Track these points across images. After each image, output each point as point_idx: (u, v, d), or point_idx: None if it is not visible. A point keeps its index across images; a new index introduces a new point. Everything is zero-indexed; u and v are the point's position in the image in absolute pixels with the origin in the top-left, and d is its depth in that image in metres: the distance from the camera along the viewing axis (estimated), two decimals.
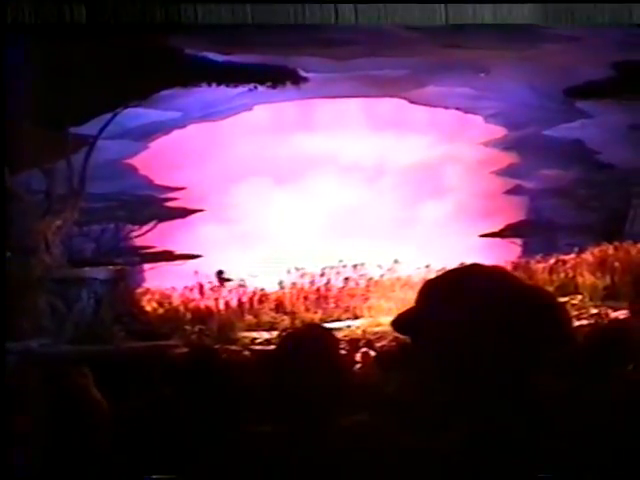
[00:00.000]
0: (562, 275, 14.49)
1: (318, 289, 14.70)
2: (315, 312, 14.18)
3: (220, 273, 14.85)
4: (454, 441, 1.91)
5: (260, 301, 14.38)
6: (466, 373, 1.84)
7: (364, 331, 13.06)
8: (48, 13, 10.00)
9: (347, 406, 2.92)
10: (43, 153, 13.06)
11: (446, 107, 16.05)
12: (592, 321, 12.05)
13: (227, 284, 14.80)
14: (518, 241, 16.51)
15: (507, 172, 16.55)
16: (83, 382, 3.41)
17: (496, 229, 16.31)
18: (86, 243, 15.00)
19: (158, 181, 15.74)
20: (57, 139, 13.31)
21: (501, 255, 14.57)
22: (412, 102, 15.85)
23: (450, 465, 1.90)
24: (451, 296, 1.97)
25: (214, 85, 14.15)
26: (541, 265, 14.71)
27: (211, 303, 14.26)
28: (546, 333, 1.98)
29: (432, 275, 14.44)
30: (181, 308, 14.20)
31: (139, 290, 14.76)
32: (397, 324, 2.23)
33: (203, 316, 13.99)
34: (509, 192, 16.60)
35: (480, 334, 1.87)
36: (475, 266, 2.15)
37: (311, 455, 2.76)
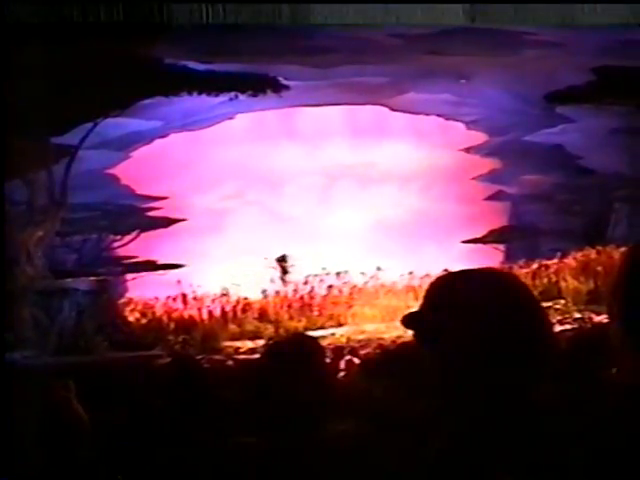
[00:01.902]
0: (545, 280, 14.52)
1: (302, 297, 14.68)
2: (299, 320, 14.15)
3: (282, 259, 14.74)
4: (442, 447, 1.91)
5: (243, 310, 14.34)
6: (463, 376, 1.83)
7: (348, 339, 13.05)
8: (29, 24, 9.96)
9: (331, 414, 2.90)
10: (24, 163, 12.98)
11: (427, 114, 16.08)
12: (575, 325, 12.07)
13: (289, 268, 14.78)
14: (501, 247, 16.54)
15: (489, 178, 16.59)
16: (64, 395, 3.40)
17: (478, 235, 16.33)
18: (68, 254, 14.93)
19: (140, 191, 15.70)
20: (38, 149, 13.24)
21: (484, 261, 14.57)
22: (393, 109, 15.88)
23: (439, 471, 1.90)
24: (458, 298, 1.97)
25: (195, 94, 14.12)
26: (524, 270, 14.71)
27: (194, 313, 14.22)
28: (536, 340, 1.98)
29: (416, 282, 14.55)
30: (164, 318, 14.15)
31: (122, 300, 14.71)
32: (406, 319, 2.24)
33: (186, 326, 13.95)
34: (491, 198, 16.64)
35: (480, 338, 1.87)
36: (487, 270, 2.16)
37: (296, 465, 2.73)
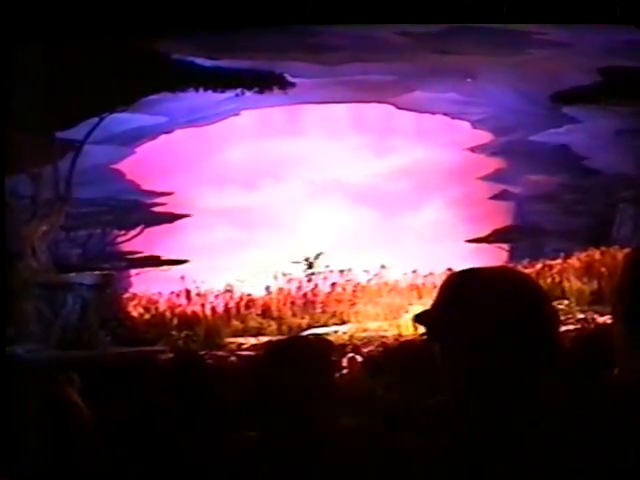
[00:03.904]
0: (549, 280, 14.47)
1: (305, 294, 14.66)
2: (302, 317, 14.14)
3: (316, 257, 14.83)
4: (444, 445, 1.90)
5: (247, 307, 14.33)
6: (473, 374, 1.83)
7: (351, 336, 13.03)
8: (34, 20, 9.96)
9: (334, 411, 2.91)
10: (29, 158, 13.00)
11: (433, 112, 16.08)
12: (578, 326, 12.05)
13: (315, 264, 14.85)
14: (505, 246, 16.54)
15: (494, 177, 16.59)
16: (66, 388, 3.41)
17: (483, 234, 16.33)
18: (72, 248, 14.96)
19: (145, 186, 15.73)
20: (44, 144, 13.26)
21: (488, 260, 14.55)
22: (399, 107, 15.88)
23: (439, 469, 1.89)
24: (470, 296, 1.96)
25: (201, 90, 14.13)
26: (528, 270, 14.66)
27: (198, 309, 14.22)
28: (545, 340, 1.98)
29: (419, 280, 14.54)
30: (167, 313, 14.15)
31: (125, 295, 14.72)
32: (418, 317, 2.23)
33: (190, 321, 13.95)
34: (496, 197, 16.64)
35: (491, 337, 1.87)
36: (499, 269, 2.15)
37: (298, 460, 2.74)
